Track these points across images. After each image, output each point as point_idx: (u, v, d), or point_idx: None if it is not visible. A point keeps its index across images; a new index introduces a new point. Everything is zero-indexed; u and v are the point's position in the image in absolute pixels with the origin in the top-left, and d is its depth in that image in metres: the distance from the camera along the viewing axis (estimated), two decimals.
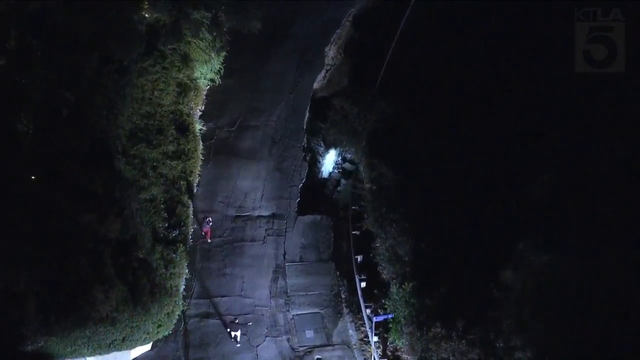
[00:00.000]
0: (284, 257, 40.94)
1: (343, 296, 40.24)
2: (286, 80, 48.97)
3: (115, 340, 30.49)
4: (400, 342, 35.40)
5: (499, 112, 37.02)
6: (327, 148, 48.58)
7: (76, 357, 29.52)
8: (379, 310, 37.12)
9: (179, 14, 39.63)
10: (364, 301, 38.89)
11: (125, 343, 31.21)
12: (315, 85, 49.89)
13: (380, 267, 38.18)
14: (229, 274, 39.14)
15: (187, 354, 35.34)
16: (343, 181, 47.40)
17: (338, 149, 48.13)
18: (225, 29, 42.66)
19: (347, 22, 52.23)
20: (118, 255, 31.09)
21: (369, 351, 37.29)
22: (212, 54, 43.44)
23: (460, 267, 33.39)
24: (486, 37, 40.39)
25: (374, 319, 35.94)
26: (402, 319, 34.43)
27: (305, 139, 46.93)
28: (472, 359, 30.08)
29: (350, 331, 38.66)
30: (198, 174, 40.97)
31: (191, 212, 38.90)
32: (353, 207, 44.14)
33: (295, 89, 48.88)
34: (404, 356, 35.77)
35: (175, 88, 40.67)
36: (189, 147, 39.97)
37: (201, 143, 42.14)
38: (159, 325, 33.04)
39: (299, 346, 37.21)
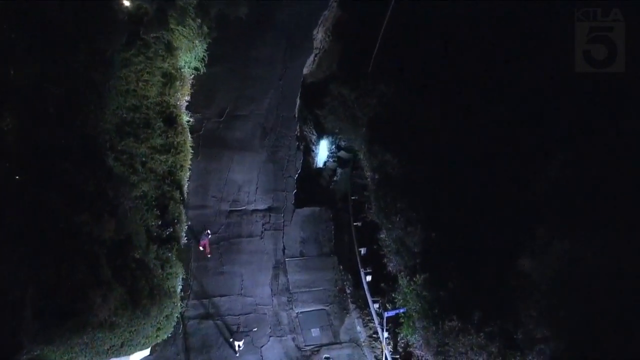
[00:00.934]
0: (284, 253, 41.20)
1: (348, 291, 40.60)
2: (274, 66, 48.89)
3: (113, 345, 30.54)
4: (413, 338, 35.50)
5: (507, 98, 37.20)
6: (320, 136, 48.65)
7: None
8: (387, 305, 37.40)
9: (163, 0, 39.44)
10: (371, 296, 39.18)
11: (124, 348, 31.29)
12: (305, 71, 49.94)
13: (386, 259, 38.45)
14: (227, 272, 39.27)
15: (188, 357, 35.49)
16: (339, 170, 47.66)
17: (332, 136, 48.28)
18: (211, 15, 42.30)
19: (333, 3, 52.16)
20: (114, 256, 31.01)
21: (380, 348, 37.58)
22: (196, 41, 43.18)
23: (473, 257, 33.67)
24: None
25: (385, 314, 36.12)
26: (414, 313, 34.53)
27: (298, 128, 47.01)
28: (492, 352, 30.13)
29: (358, 327, 39.03)
30: (188, 168, 40.66)
31: (183, 208, 38.61)
32: (353, 197, 44.44)
33: (284, 75, 48.84)
34: (417, 352, 35.77)
35: (160, 78, 40.34)
36: (177, 140, 39.76)
37: (189, 136, 41.77)
38: (158, 329, 33.08)
39: (305, 345, 37.51)
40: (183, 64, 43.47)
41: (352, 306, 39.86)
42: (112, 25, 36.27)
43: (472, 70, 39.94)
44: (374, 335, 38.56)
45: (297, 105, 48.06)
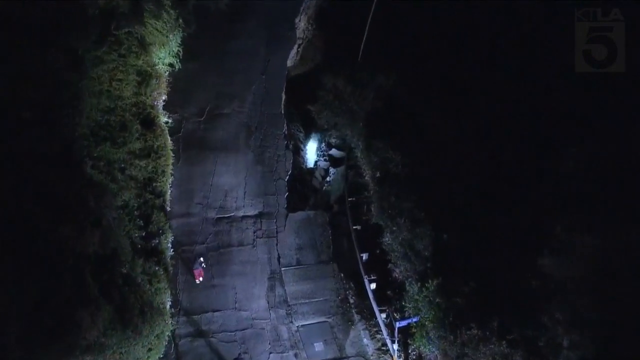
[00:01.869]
0: (279, 262, 41.03)
1: (351, 301, 40.50)
2: (256, 59, 49.08)
3: None
4: (427, 349, 35.36)
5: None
6: (309, 134, 48.60)
7: None
8: (395, 314, 37.35)
9: None
10: (378, 305, 39.02)
11: None
12: (289, 63, 50.01)
13: (391, 264, 38.42)
14: (219, 284, 39.05)
15: None
16: (332, 170, 47.67)
17: (321, 133, 48.22)
18: (189, 7, 42.16)
19: None
20: (100, 272, 30.64)
21: None
22: (170, 35, 42.93)
23: (488, 258, 33.59)
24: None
25: (397, 325, 35.90)
26: (427, 322, 34.51)
27: (285, 125, 46.83)
28: None
29: (365, 340, 38.89)
30: (171, 173, 40.36)
31: (167, 217, 38.40)
32: (350, 199, 44.34)
33: (267, 68, 48.88)
34: None
35: (135, 77, 39.94)
36: (157, 143, 39.40)
37: (169, 138, 41.48)
38: (149, 349, 32.72)
39: None
40: (157, 60, 43.14)
41: (356, 317, 39.72)
42: (81, 21, 35.87)
43: (472, 63, 40.16)
44: (383, 348, 38.37)
45: (283, 101, 47.80)
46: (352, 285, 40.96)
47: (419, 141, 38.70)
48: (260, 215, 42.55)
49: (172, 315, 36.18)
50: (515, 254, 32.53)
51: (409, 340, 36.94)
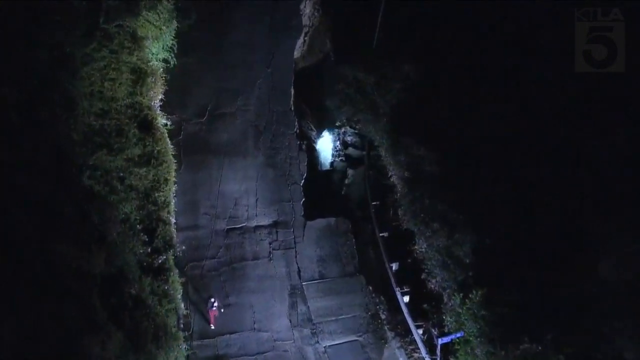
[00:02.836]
0: (299, 276, 40.66)
1: (383, 316, 40.10)
2: (260, 51, 48.25)
3: None
4: None
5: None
6: (321, 132, 48.19)
7: None
8: (433, 330, 36.74)
9: None
10: (413, 320, 38.44)
11: None
12: (296, 54, 49.44)
13: (425, 274, 37.82)
14: (234, 303, 38.52)
15: None
16: (350, 171, 47.23)
17: (334, 131, 47.81)
18: None
19: None
20: (108, 294, 30.14)
21: None
22: (164, 27, 42.40)
23: (536, 265, 33.18)
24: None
25: (440, 342, 35.38)
26: (471, 338, 34.04)
27: (296, 124, 46.27)
28: None
29: (401, 359, 38.23)
30: (174, 182, 39.81)
31: (174, 229, 37.92)
32: (374, 203, 43.82)
33: (272, 61, 48.12)
34: None
35: (129, 75, 39.20)
36: (157, 148, 38.75)
37: (169, 142, 40.92)
38: None
39: None
40: (150, 56, 42.59)
41: (390, 334, 39.29)
42: (66, 13, 35.35)
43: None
44: None
45: (292, 97, 47.28)
46: (383, 299, 40.59)
47: (452, 137, 38.03)
48: (275, 225, 42.10)
49: (185, 339, 35.47)
50: (565, 259, 32.07)
51: (450, 358, 36.26)
